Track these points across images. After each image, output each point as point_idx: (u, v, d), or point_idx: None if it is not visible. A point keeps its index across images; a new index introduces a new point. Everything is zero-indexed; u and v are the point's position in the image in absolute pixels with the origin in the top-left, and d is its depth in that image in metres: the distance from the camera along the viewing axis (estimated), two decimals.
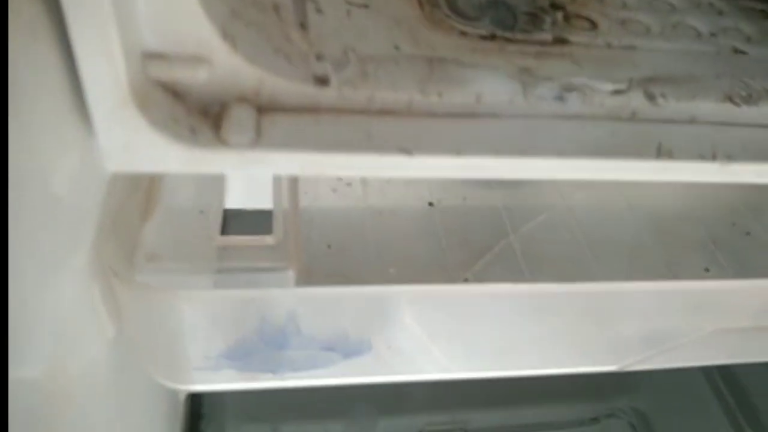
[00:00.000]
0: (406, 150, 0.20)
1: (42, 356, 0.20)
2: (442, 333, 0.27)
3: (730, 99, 0.24)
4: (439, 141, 0.21)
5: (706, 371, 0.85)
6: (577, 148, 0.22)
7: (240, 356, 0.26)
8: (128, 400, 0.33)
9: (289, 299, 0.24)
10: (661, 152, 0.22)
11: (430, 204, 0.39)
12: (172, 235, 0.28)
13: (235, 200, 0.35)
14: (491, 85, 0.22)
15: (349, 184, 0.39)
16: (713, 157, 0.22)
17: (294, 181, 0.33)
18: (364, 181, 0.40)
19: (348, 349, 0.27)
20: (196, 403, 0.49)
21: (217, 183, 0.30)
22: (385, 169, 0.20)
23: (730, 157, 0.23)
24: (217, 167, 0.20)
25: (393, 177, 0.20)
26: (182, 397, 0.48)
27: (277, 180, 0.31)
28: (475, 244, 0.37)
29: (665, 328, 0.29)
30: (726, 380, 0.81)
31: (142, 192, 0.28)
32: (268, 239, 0.28)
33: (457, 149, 0.21)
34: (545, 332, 0.29)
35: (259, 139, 0.20)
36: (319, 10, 0.23)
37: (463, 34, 0.24)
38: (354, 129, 0.21)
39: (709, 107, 0.24)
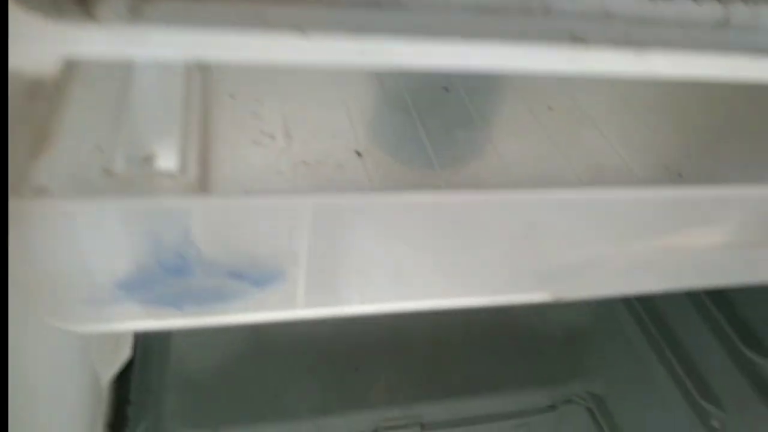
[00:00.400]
0: (300, 28, 0.19)
1: None
2: (362, 256, 0.26)
3: None
4: (337, 24, 0.19)
5: (658, 350, 0.85)
6: (485, 36, 0.21)
7: (138, 286, 0.23)
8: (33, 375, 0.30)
9: (184, 213, 0.22)
10: (575, 40, 0.21)
11: (358, 153, 0.37)
12: (65, 170, 0.25)
13: None
14: None
15: (271, 136, 0.37)
16: (627, 44, 0.21)
17: (206, 120, 0.31)
18: (287, 134, 0.38)
19: (259, 276, 0.24)
20: (123, 389, 0.46)
21: (120, 121, 0.28)
22: (278, 50, 0.18)
23: (645, 45, 0.22)
24: (87, 46, 0.17)
25: (288, 62, 0.18)
26: (105, 383, 0.45)
27: (184, 113, 0.29)
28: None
29: (599, 245, 0.28)
30: (679, 358, 0.82)
31: (32, 126, 0.25)
32: (174, 171, 0.26)
33: (357, 30, 0.19)
34: (472, 254, 0.27)
35: (134, 17, 0.18)
36: None
37: None
38: (245, 11, 0.19)
39: (623, 2, 0.23)
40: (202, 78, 0.37)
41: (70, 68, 0.31)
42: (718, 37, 0.22)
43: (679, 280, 0.32)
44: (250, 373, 0.84)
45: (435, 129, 0.41)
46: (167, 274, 0.23)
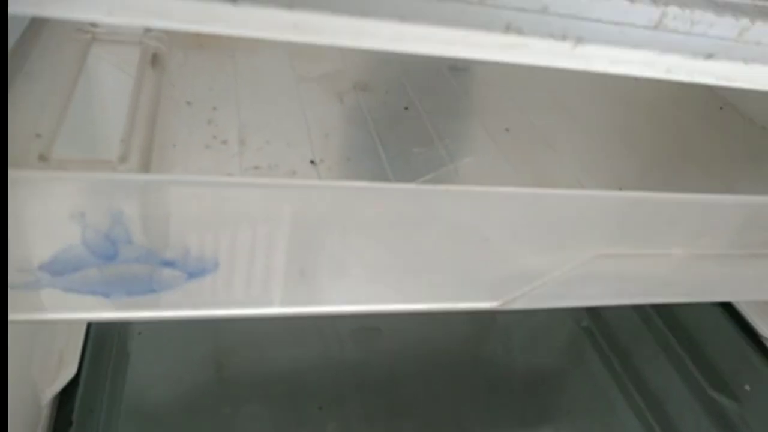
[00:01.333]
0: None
1: None
2: (300, 252, 0.25)
3: None
4: None
5: (626, 393, 0.85)
6: (421, 18, 0.21)
7: (65, 270, 0.23)
8: None
9: (115, 194, 0.21)
10: (510, 29, 0.21)
11: (312, 162, 0.37)
12: None
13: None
14: None
15: (224, 142, 0.37)
16: (564, 38, 0.22)
17: (153, 121, 0.31)
18: (241, 140, 0.38)
19: (191, 266, 0.24)
20: (65, 409, 0.44)
21: (64, 111, 0.28)
22: (204, 21, 0.19)
23: (581, 39, 0.22)
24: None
25: (214, 33, 0.18)
26: (46, 401, 0.43)
27: (132, 111, 0.29)
28: None
29: (547, 251, 0.28)
30: (646, 400, 0.82)
31: None
32: (113, 161, 0.26)
33: (290, 3, 0.19)
34: (420, 256, 0.27)
35: None
36: None
37: None
38: None
39: None
40: (156, 78, 0.37)
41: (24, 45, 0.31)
42: (653, 36, 0.22)
43: (622, 294, 0.32)
44: (207, 410, 0.82)
45: (393, 145, 0.41)
46: (96, 258, 0.23)
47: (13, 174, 0.20)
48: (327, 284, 0.27)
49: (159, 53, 0.38)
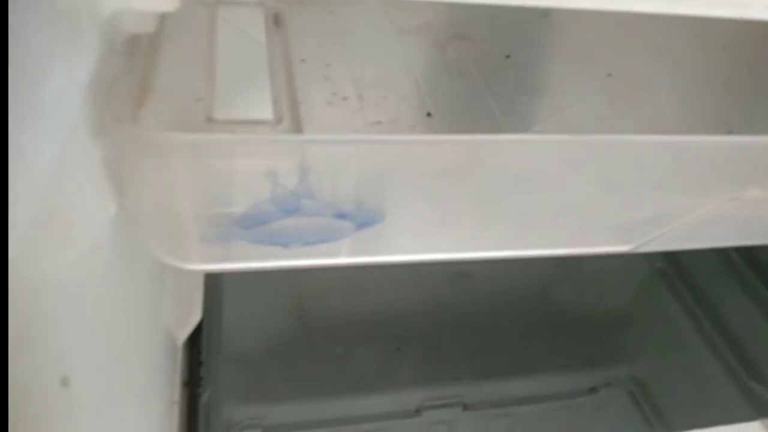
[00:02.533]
0: None
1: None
2: (450, 202, 0.27)
3: None
4: None
5: (703, 332, 0.85)
6: None
7: (253, 224, 0.25)
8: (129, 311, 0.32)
9: (299, 151, 0.23)
10: None
11: (428, 114, 0.39)
12: (169, 118, 0.27)
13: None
14: None
15: (345, 98, 0.38)
16: None
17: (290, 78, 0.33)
18: (359, 96, 0.39)
19: (361, 217, 0.26)
20: (195, 350, 0.48)
21: (212, 75, 0.30)
22: None
23: None
24: None
25: None
26: (180, 343, 0.47)
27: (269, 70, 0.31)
28: None
29: (682, 195, 0.29)
30: (725, 339, 0.81)
31: (136, 76, 0.27)
32: (271, 120, 0.28)
33: None
34: (556, 203, 0.28)
35: None
36: None
37: None
38: None
39: None
40: (282, 38, 0.38)
41: (161, 24, 0.33)
42: None
43: (753, 236, 0.33)
44: (294, 354, 0.86)
45: (500, 94, 0.42)
46: (280, 212, 0.25)
47: (213, 138, 0.22)
48: (471, 232, 0.29)
49: (280, 13, 0.39)
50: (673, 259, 0.92)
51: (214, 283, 0.70)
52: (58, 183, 0.21)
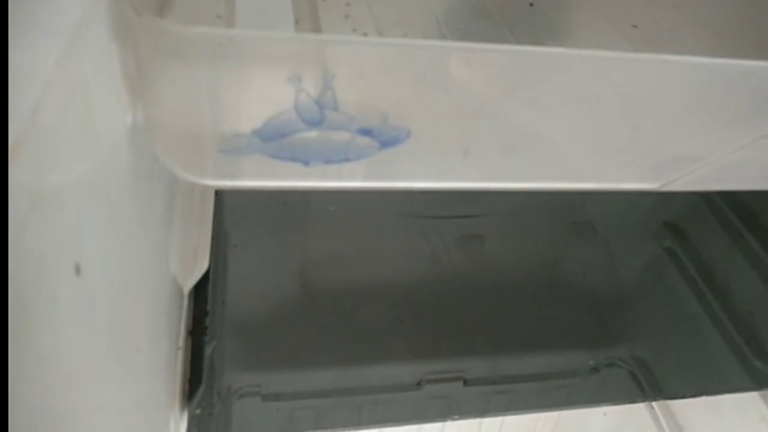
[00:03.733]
0: None
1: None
2: (485, 125, 0.26)
3: None
4: None
5: (709, 311, 0.84)
6: None
7: (275, 136, 0.24)
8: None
9: (325, 53, 0.22)
10: None
11: None
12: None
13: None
14: None
15: (365, 34, 0.37)
16: None
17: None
18: (379, 33, 0.38)
19: (386, 135, 0.25)
20: (201, 300, 0.47)
21: None
22: None
23: None
24: None
25: None
26: (186, 291, 0.46)
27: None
28: None
29: (714, 128, 0.28)
30: (732, 318, 0.81)
31: None
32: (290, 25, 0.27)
33: None
34: (586, 133, 0.27)
35: None
36: None
37: None
38: None
39: None
40: None
41: None
42: None
43: None
44: (297, 323, 0.86)
45: (526, 40, 0.41)
46: (303, 123, 0.24)
47: (239, 33, 0.21)
48: (497, 158, 0.28)
49: None
50: (681, 237, 0.91)
51: (220, 244, 0.69)
52: (70, 83, 0.20)
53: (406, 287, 0.91)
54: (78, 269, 0.17)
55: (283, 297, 0.83)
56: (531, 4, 0.45)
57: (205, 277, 0.48)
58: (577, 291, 0.97)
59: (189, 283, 0.46)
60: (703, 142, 0.29)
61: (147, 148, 0.25)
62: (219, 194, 0.68)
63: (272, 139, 0.24)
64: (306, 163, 0.25)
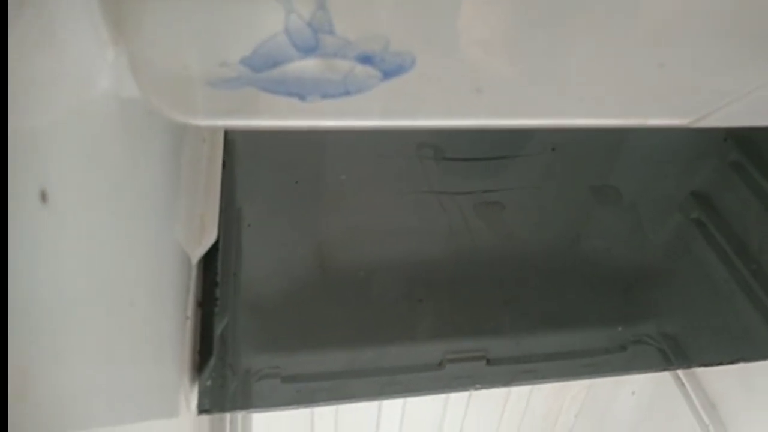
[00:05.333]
0: None
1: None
2: (499, 55, 0.24)
3: None
4: None
5: (742, 284, 0.81)
6: None
7: (266, 65, 0.22)
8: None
9: None
10: None
11: None
12: None
13: None
14: None
15: None
16: None
17: None
18: None
19: (388, 63, 0.23)
20: (210, 270, 0.46)
21: None
22: None
23: None
24: None
25: None
26: (194, 262, 0.45)
27: None
28: None
29: (746, 59, 0.25)
30: (763, 285, 0.77)
31: None
32: None
33: None
34: (616, 67, 0.25)
35: None
36: None
37: None
38: None
39: None
40: None
41: None
42: None
43: None
44: (314, 302, 0.84)
45: None
46: (296, 50, 0.22)
47: None
48: (522, 93, 0.26)
49: None
50: (710, 207, 0.88)
51: (233, 216, 0.68)
52: (47, 19, 0.18)
53: (425, 263, 0.89)
54: (44, 196, 0.16)
55: (299, 275, 0.82)
56: None
57: (214, 250, 0.46)
58: (602, 265, 0.94)
59: (197, 252, 0.44)
60: (732, 75, 0.27)
61: (137, 94, 0.24)
62: (230, 168, 0.67)
63: (263, 69, 0.22)
64: (302, 97, 0.23)
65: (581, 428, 1.20)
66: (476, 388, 0.73)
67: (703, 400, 0.90)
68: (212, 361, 0.43)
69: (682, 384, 0.93)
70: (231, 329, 0.55)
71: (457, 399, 1.14)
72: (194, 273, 0.44)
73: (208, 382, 0.43)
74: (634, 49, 0.25)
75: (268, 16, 0.21)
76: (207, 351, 0.43)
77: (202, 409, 0.43)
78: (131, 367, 0.27)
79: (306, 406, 0.73)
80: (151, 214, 0.34)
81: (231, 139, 0.65)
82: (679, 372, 0.96)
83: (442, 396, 1.11)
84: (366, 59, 0.23)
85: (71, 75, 0.21)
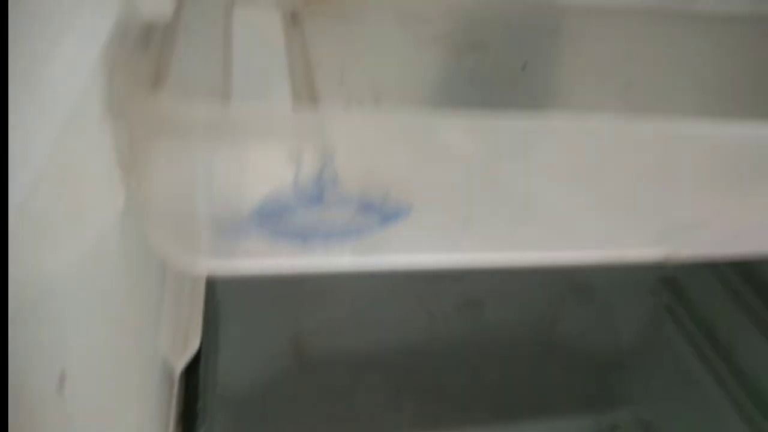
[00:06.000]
0: None
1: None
2: (486, 197, 0.25)
3: None
4: None
5: (714, 371, 0.82)
6: None
7: (273, 214, 0.23)
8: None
9: (328, 130, 0.21)
10: None
11: None
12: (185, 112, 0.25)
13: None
14: None
15: (360, 102, 0.37)
16: None
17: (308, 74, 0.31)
18: (376, 99, 0.38)
19: (386, 210, 0.24)
20: (192, 381, 0.45)
21: (227, 67, 0.28)
22: None
23: None
24: None
25: None
26: (177, 374, 0.44)
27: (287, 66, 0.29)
28: None
29: (721, 194, 0.27)
30: (737, 378, 0.79)
31: (150, 63, 0.25)
32: (287, 104, 0.26)
33: None
34: (595, 200, 0.27)
35: None
36: None
37: None
38: None
39: None
40: (299, 37, 0.37)
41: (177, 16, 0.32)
42: None
43: None
44: (291, 396, 0.83)
45: (517, 105, 0.41)
46: (302, 201, 0.23)
47: (235, 111, 0.21)
48: (499, 231, 0.27)
49: (296, 12, 0.38)
50: (679, 293, 0.91)
51: (211, 317, 0.67)
52: (63, 167, 0.19)
53: (405, 354, 0.88)
54: (62, 381, 0.16)
55: (277, 372, 0.81)
56: (523, 68, 0.45)
57: (195, 361, 0.46)
58: (579, 351, 0.95)
59: (180, 363, 0.43)
60: (709, 207, 0.29)
61: (139, 232, 0.24)
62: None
63: (270, 218, 0.23)
64: (304, 239, 0.24)
65: None
66: None
67: None
68: None
69: None
70: None
71: None
72: (176, 388, 0.44)
73: None
74: (610, 186, 0.27)
75: (278, 171, 0.22)
76: None
77: None
78: None
79: None
80: (140, 341, 0.34)
81: None
82: None
83: None
84: (366, 207, 0.24)
85: (85, 224, 0.21)
